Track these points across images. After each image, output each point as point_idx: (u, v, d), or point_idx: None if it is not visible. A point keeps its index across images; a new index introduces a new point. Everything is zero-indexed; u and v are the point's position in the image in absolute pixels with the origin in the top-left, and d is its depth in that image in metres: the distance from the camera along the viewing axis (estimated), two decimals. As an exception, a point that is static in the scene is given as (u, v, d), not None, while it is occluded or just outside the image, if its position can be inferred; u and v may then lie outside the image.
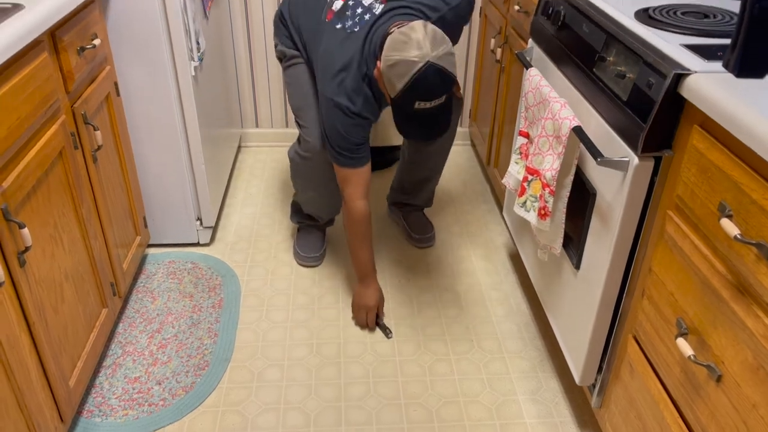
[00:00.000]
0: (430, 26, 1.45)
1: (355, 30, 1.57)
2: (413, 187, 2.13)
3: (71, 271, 1.40)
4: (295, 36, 1.76)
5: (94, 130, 1.53)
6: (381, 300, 1.81)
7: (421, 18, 1.59)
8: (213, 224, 2.10)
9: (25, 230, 1.15)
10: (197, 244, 2.13)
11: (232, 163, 2.50)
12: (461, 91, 1.85)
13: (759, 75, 0.73)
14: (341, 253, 2.11)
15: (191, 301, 1.88)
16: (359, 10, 1.59)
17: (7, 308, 1.11)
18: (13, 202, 1.14)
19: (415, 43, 1.41)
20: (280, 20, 1.81)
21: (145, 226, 1.95)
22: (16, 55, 1.17)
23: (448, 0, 1.63)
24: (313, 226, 2.09)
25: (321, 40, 1.62)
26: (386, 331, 1.78)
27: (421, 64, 1.40)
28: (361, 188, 1.69)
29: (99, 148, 1.56)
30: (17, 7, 1.24)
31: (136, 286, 1.94)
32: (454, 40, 1.69)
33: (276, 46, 1.85)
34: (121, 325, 1.79)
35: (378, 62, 1.51)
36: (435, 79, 1.42)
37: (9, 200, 1.12)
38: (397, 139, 2.61)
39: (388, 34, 1.49)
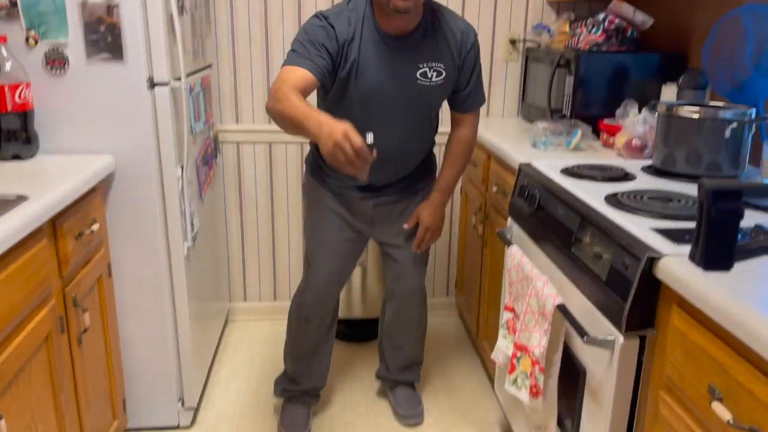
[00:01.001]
0: None
1: None
2: (396, 360, 2.11)
3: (42, 465, 1.32)
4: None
5: (83, 312, 1.53)
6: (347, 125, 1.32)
7: None
8: (195, 405, 2.02)
9: (2, 422, 1.10)
10: (177, 428, 2.03)
11: (218, 338, 2.47)
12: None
13: (725, 268, 0.78)
14: (328, 434, 2.02)
15: (167, 493, 1.75)
16: None
17: None
18: (-8, 393, 1.11)
19: None
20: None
21: (124, 410, 1.88)
22: (17, 243, 1.21)
23: None
24: (298, 398, 2.05)
25: None
26: (372, 149, 1.30)
27: None
28: (289, 82, 1.48)
29: (86, 330, 1.55)
30: (21, 199, 1.31)
31: (108, 477, 1.81)
32: None
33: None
34: None
35: None
36: None
37: (-12, 391, 1.09)
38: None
39: None
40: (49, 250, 1.35)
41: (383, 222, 1.89)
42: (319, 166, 1.85)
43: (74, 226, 1.48)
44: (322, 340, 2.01)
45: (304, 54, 1.55)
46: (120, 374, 1.84)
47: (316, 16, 1.62)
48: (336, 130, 1.27)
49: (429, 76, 1.66)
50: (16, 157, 1.65)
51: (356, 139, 1.26)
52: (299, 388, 2.04)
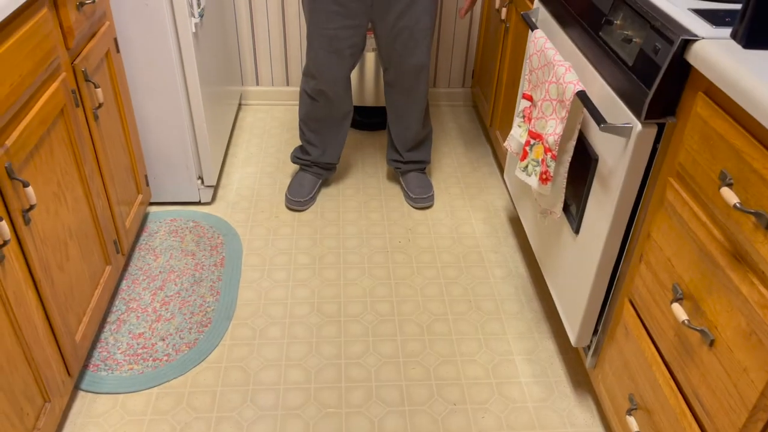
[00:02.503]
0: None
1: None
2: (404, 144, 2.14)
3: (75, 229, 1.41)
4: None
5: (95, 87, 1.52)
6: None
7: None
8: (214, 183, 2.10)
9: (30, 189, 1.16)
10: (198, 203, 2.14)
11: (232, 122, 2.49)
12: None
13: (767, 46, 0.73)
14: (343, 214, 2.13)
15: (193, 260, 1.90)
16: None
17: (13, 266, 1.13)
18: (17, 161, 1.14)
19: None
20: None
21: (147, 184, 1.96)
22: (16, 11, 1.16)
23: None
24: (309, 167, 2.16)
25: None
26: None
27: None
28: None
29: (100, 105, 1.55)
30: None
31: (138, 244, 1.95)
32: None
33: None
34: (124, 282, 1.82)
35: None
36: None
37: (12, 159, 1.13)
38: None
39: None
40: (51, 19, 1.30)
41: (383, 3, 1.80)
42: None
43: (74, -6, 1.40)
44: (333, 120, 2.05)
45: None
46: (139, 151, 1.88)
47: None
48: None
49: None
50: None
51: None
52: (310, 158, 2.13)
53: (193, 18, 1.80)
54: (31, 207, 1.17)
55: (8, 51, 1.11)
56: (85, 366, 1.57)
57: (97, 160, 1.56)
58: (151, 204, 2.11)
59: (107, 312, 1.72)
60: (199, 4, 1.86)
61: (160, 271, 1.86)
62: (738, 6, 1.13)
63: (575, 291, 1.42)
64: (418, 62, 1.94)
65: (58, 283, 1.32)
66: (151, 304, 1.75)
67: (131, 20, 1.73)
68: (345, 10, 1.80)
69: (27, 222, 1.17)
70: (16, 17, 1.16)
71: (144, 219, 2.05)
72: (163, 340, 1.64)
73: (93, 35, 1.55)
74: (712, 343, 0.96)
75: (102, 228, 1.56)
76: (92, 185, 1.50)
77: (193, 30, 1.81)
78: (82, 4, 1.43)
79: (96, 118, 1.54)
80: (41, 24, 1.24)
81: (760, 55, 0.91)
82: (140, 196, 1.89)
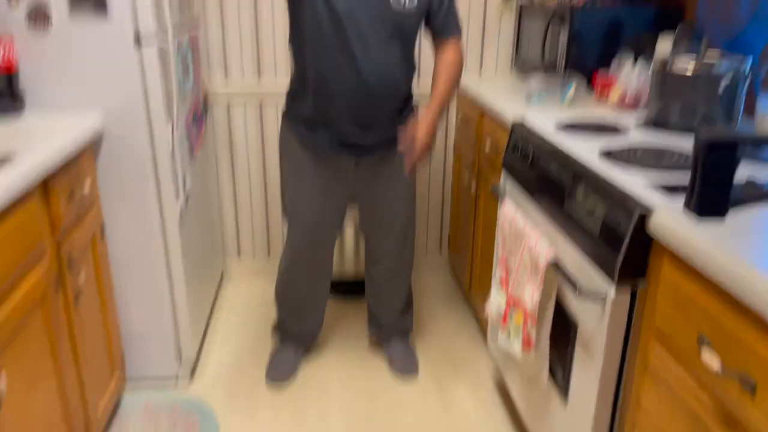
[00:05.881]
0: None
1: None
2: (386, 316, 2.14)
3: (44, 421, 1.34)
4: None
5: (78, 272, 1.54)
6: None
7: None
8: (193, 360, 2.05)
9: (2, 379, 1.12)
10: (176, 379, 2.06)
11: (213, 297, 2.49)
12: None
13: (720, 214, 0.79)
14: (325, 391, 2.06)
15: (167, 447, 1.79)
16: None
17: (-27, 467, 1.05)
18: (-9, 352, 1.12)
19: None
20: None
21: (122, 367, 1.90)
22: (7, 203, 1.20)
23: None
24: (289, 339, 2.13)
25: None
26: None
27: None
28: None
29: (81, 291, 1.55)
30: (10, 158, 1.29)
31: (110, 430, 1.84)
32: None
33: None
34: (91, 476, 1.69)
35: None
36: None
37: (-13, 350, 1.10)
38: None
39: None
40: (41, 209, 1.35)
41: (365, 182, 1.90)
42: (297, 121, 1.84)
43: (66, 185, 1.47)
44: (312, 296, 2.05)
45: None
46: (117, 333, 1.85)
47: None
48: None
49: (402, 1, 1.66)
50: (3, 112, 1.62)
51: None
52: (290, 332, 2.12)
53: (179, 201, 1.88)
54: (1, 399, 1.12)
55: (-4, 243, 1.13)
56: None
57: (74, 346, 1.53)
58: (128, 380, 2.03)
59: None
60: (185, 188, 1.95)
61: (130, 462, 1.73)
62: (686, 178, 1.22)
63: (572, 464, 1.35)
64: (404, 232, 2.00)
65: (20, 484, 1.22)
66: (119, 500, 1.61)
67: (118, 205, 1.79)
68: (327, 187, 1.88)
69: (-6, 417, 1.11)
70: (7, 207, 1.20)
71: (117, 404, 1.96)
72: None
73: (80, 222, 1.60)
74: None
75: (72, 418, 1.48)
76: (66, 373, 1.46)
77: (178, 213, 1.88)
78: (73, 194, 1.50)
79: (76, 302, 1.53)
80: (31, 214, 1.29)
81: (715, 223, 0.98)
82: (115, 380, 1.82)
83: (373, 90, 1.70)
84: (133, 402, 1.96)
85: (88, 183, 1.61)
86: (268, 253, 2.80)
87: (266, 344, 2.29)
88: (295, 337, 2.13)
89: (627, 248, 1.10)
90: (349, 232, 2.51)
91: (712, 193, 0.77)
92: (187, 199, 1.98)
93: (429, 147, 1.78)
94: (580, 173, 1.32)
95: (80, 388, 1.56)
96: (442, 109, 1.80)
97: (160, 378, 2.02)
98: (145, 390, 2.02)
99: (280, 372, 2.07)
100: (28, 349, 1.28)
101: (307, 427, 1.88)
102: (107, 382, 1.77)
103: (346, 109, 1.73)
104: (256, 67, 2.52)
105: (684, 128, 1.57)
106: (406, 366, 2.12)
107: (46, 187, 1.39)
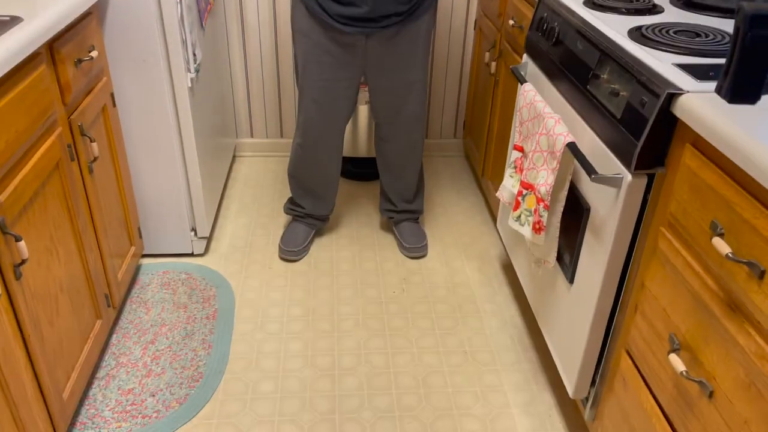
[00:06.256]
0: None
1: None
2: (397, 195, 2.15)
3: (66, 283, 1.40)
4: None
5: (91, 141, 1.53)
6: None
7: None
8: (207, 235, 2.10)
9: (22, 243, 1.15)
10: (191, 255, 2.13)
11: (226, 173, 2.51)
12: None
13: (751, 101, 0.75)
14: (336, 265, 2.12)
15: (185, 312, 1.88)
16: None
17: (2, 322, 1.11)
18: (10, 215, 1.14)
19: None
20: None
21: (140, 236, 1.95)
22: (15, 67, 1.18)
23: None
24: (302, 218, 2.17)
25: None
26: None
27: None
28: None
29: (95, 159, 1.56)
30: (15, 20, 1.25)
31: (130, 297, 1.93)
32: None
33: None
34: (114, 336, 1.79)
35: None
36: None
37: (6, 213, 1.12)
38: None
39: None
40: (49, 75, 1.32)
41: (376, 59, 1.83)
42: None
43: (72, 51, 1.43)
44: (324, 175, 2.06)
45: None
46: (133, 203, 1.88)
47: None
48: None
49: None
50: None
51: None
52: (303, 210, 2.14)
53: (189, 73, 1.83)
54: (23, 261, 1.16)
55: (5, 107, 1.12)
56: (72, 424, 1.52)
57: (91, 214, 1.56)
58: (144, 256, 2.10)
59: (96, 367, 1.69)
60: (195, 60, 1.90)
61: (151, 325, 1.83)
62: (721, 61, 1.16)
63: (571, 342, 1.41)
64: (414, 114, 1.97)
65: (48, 339, 1.30)
66: (142, 358, 1.72)
67: (128, 75, 1.76)
68: (337, 62, 1.83)
69: (18, 277, 1.16)
70: (15, 73, 1.17)
71: (136, 271, 2.03)
72: (153, 395, 1.61)
73: (90, 90, 1.58)
74: (711, 395, 0.95)
75: (93, 282, 1.55)
76: (85, 239, 1.50)
77: (189, 85, 1.84)
78: (80, 61, 1.46)
79: (91, 171, 1.55)
80: (39, 80, 1.26)
81: (744, 108, 0.94)
82: (133, 249, 1.88)
83: None
84: (151, 271, 2.04)
85: (95, 50, 1.56)
86: (281, 133, 2.78)
87: (279, 219, 2.34)
88: (307, 215, 2.17)
89: (649, 131, 1.07)
90: (363, 110, 2.47)
91: (747, 75, 0.73)
92: (197, 71, 1.93)
93: None
94: (607, 51, 1.26)
95: (100, 254, 1.61)
96: None
97: (177, 254, 2.09)
98: (162, 261, 2.09)
99: (292, 247, 2.12)
100: (46, 216, 1.30)
101: (318, 300, 1.96)
102: (125, 251, 1.82)
103: None
104: (267, -71, 2.36)
105: (722, 8, 1.47)
106: (415, 245, 2.16)
107: (52, 54, 1.35)
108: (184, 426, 1.53)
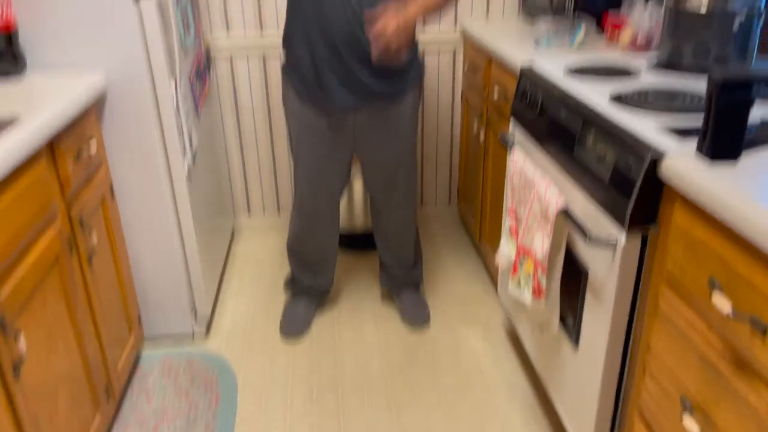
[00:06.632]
0: None
1: None
2: (396, 266, 2.16)
3: (66, 378, 1.38)
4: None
5: (90, 232, 1.55)
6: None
7: None
8: (208, 315, 2.09)
9: (21, 341, 1.14)
10: (192, 336, 2.10)
11: (226, 252, 2.51)
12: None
13: (732, 157, 0.77)
14: (339, 341, 2.09)
15: (187, 400, 1.84)
16: None
17: (1, 422, 1.09)
18: (10, 312, 1.14)
19: None
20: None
21: (140, 323, 1.94)
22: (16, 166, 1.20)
23: None
24: (301, 293, 2.16)
25: None
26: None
27: None
28: None
29: (94, 250, 1.57)
30: (15, 120, 1.29)
31: (131, 386, 1.90)
32: None
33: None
34: (116, 427, 1.74)
35: None
36: None
37: (6, 310, 1.12)
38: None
39: None
40: (49, 171, 1.35)
41: (364, 135, 1.88)
42: (293, 73, 1.82)
43: (72, 145, 1.47)
44: (322, 248, 2.08)
45: None
46: (132, 292, 1.88)
47: None
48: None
49: None
50: (5, 73, 1.60)
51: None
52: (303, 285, 2.15)
53: (186, 159, 1.87)
54: (22, 360, 1.15)
55: (5, 205, 1.14)
56: None
57: (90, 305, 1.56)
58: (146, 339, 2.08)
59: (97, 463, 1.63)
60: (191, 145, 1.95)
61: (153, 414, 1.79)
62: (698, 121, 1.20)
63: (582, 407, 1.38)
64: (404, 188, 2.00)
65: (47, 437, 1.26)
66: (144, 450, 1.67)
67: (126, 164, 1.79)
68: (328, 141, 1.87)
69: (17, 375, 1.14)
70: (16, 171, 1.20)
71: (137, 360, 2.01)
72: (156, 490, 1.55)
73: (89, 182, 1.60)
74: (729, 458, 0.92)
75: (93, 374, 1.52)
76: (84, 331, 1.49)
77: (186, 170, 1.88)
78: (79, 154, 1.49)
79: (90, 262, 1.55)
80: (39, 176, 1.29)
81: (726, 165, 0.96)
82: (133, 337, 1.86)
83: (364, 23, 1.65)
84: (152, 359, 2.01)
85: (94, 143, 1.60)
86: (278, 210, 2.81)
87: (280, 299, 2.33)
88: (307, 291, 2.16)
89: (638, 193, 1.09)
90: (357, 185, 2.51)
91: (725, 135, 0.76)
92: (194, 156, 1.97)
93: (397, 46, 1.61)
94: (590, 118, 1.30)
95: (99, 345, 1.60)
96: (425, 11, 1.64)
97: (177, 336, 2.07)
98: (163, 347, 2.07)
99: (294, 325, 2.10)
100: (45, 310, 1.30)
101: (322, 378, 1.93)
102: (125, 340, 1.81)
103: (339, 39, 1.68)
104: (257, 19, 2.47)
105: (697, 69, 1.53)
106: (417, 316, 2.14)
107: (52, 149, 1.39)
108: None
